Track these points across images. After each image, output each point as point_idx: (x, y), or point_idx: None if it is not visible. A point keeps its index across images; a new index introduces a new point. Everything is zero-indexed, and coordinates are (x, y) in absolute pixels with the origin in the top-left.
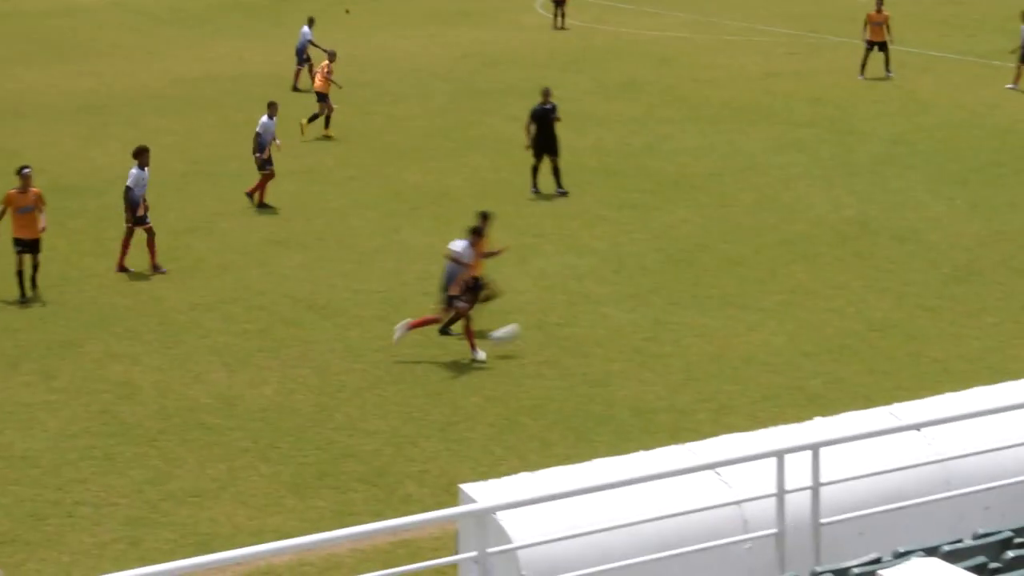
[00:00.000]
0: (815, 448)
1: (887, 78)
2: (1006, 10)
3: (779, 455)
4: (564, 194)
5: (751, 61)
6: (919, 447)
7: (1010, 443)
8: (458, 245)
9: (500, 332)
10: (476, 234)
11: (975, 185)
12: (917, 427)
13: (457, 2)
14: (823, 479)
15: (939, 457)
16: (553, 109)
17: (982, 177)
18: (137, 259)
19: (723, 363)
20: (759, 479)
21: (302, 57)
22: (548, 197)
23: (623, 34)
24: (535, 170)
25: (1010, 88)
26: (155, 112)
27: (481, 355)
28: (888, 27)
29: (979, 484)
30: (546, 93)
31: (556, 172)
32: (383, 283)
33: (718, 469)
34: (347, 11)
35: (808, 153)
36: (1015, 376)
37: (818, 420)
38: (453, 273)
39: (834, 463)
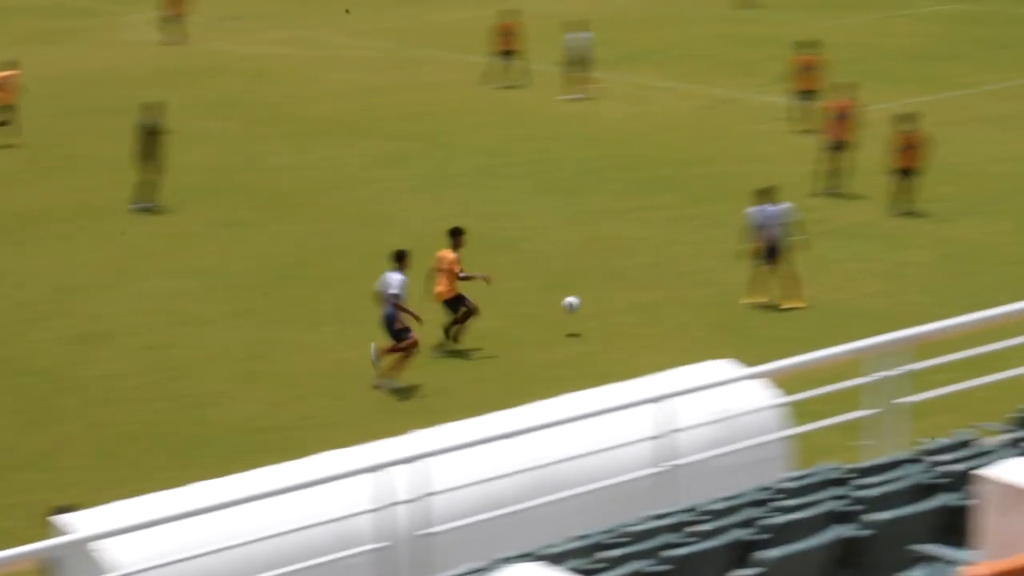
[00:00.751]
0: (419, 459)
1: (492, 89)
2: (595, 21)
3: (384, 468)
4: (151, 208)
5: (350, 76)
6: (519, 453)
7: (608, 445)
8: (392, 279)
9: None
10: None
11: (572, 193)
12: (519, 433)
13: (48, 20)
14: (428, 490)
15: (541, 462)
16: (157, 123)
17: (578, 185)
18: None
19: (329, 379)
20: (366, 493)
21: None
22: (149, 216)
23: (221, 50)
24: (139, 186)
25: (576, 98)
26: None
27: (392, 384)
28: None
29: (579, 487)
30: (149, 107)
31: (152, 187)
32: None
33: (324, 485)
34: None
35: (408, 167)
36: (615, 379)
37: (423, 431)
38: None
39: (439, 473)
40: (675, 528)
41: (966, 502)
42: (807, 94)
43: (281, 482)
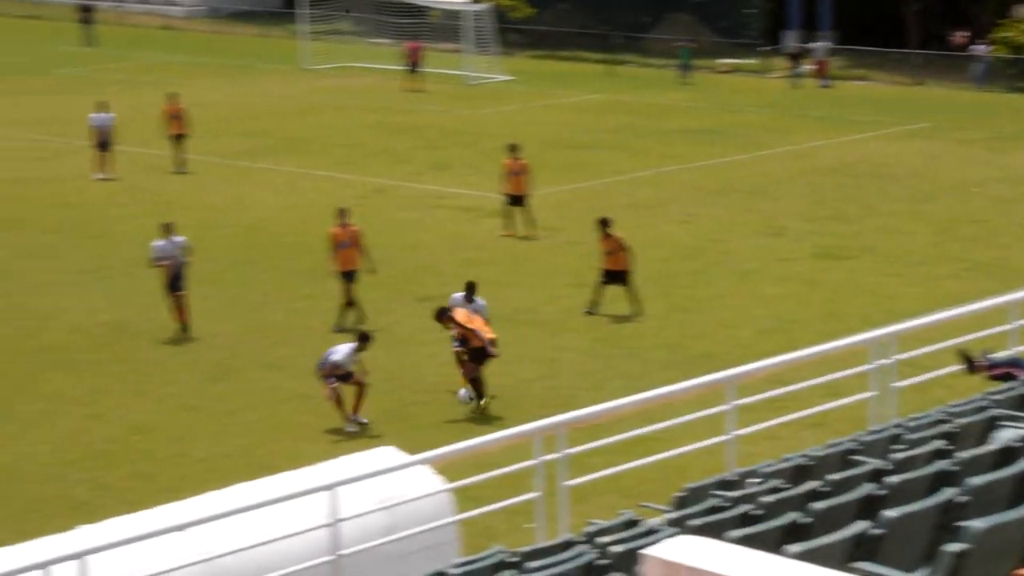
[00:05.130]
0: (82, 557)
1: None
2: (248, 111)
3: (45, 567)
4: None
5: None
6: (186, 547)
7: (277, 536)
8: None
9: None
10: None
11: (229, 283)
12: (182, 527)
13: None
14: None
15: (206, 556)
16: None
17: (235, 275)
18: None
19: None
20: None
21: None
22: None
23: None
24: None
25: (104, 178)
26: None
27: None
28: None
29: None
30: None
31: None
32: None
33: None
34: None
35: (60, 258)
36: (276, 470)
37: (84, 528)
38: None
39: (105, 570)
40: None
41: None
42: (515, 199)
43: None
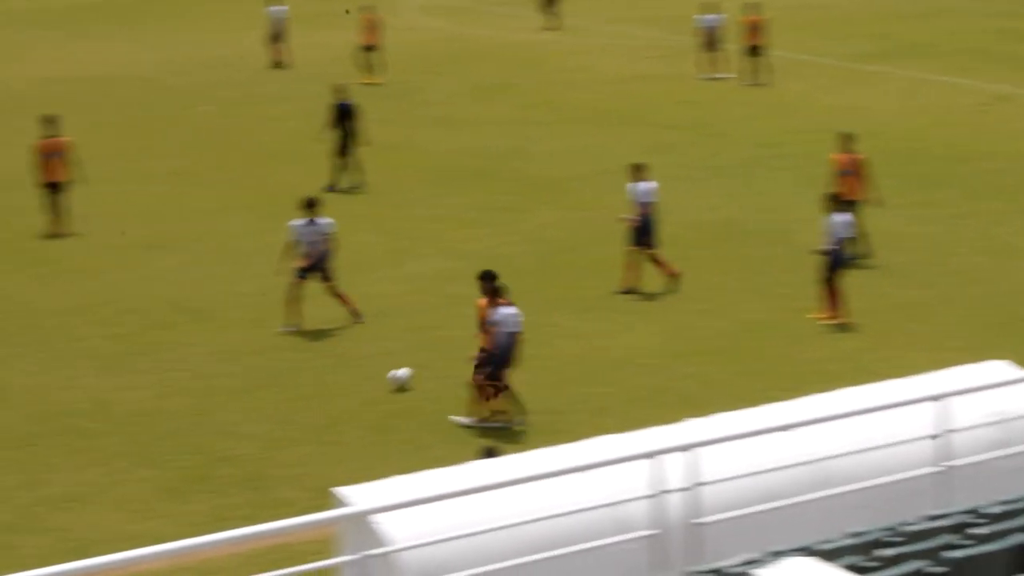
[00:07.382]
0: (690, 448)
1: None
2: (870, 13)
3: (655, 456)
4: (341, 191)
5: (618, 64)
6: (792, 447)
7: (881, 443)
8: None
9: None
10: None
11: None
12: (790, 427)
13: (327, 3)
14: (698, 480)
15: (812, 457)
16: (352, 105)
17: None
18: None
19: (596, 365)
20: (635, 480)
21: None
22: (420, 200)
23: (491, 36)
24: (338, 167)
25: (706, 78)
26: (15, 113)
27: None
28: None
29: (852, 483)
30: (342, 89)
31: (354, 167)
32: (257, 285)
33: (597, 469)
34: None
35: (677, 155)
36: (885, 376)
37: (692, 421)
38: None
39: (709, 464)
40: (955, 529)
41: None
42: None
43: (551, 465)
